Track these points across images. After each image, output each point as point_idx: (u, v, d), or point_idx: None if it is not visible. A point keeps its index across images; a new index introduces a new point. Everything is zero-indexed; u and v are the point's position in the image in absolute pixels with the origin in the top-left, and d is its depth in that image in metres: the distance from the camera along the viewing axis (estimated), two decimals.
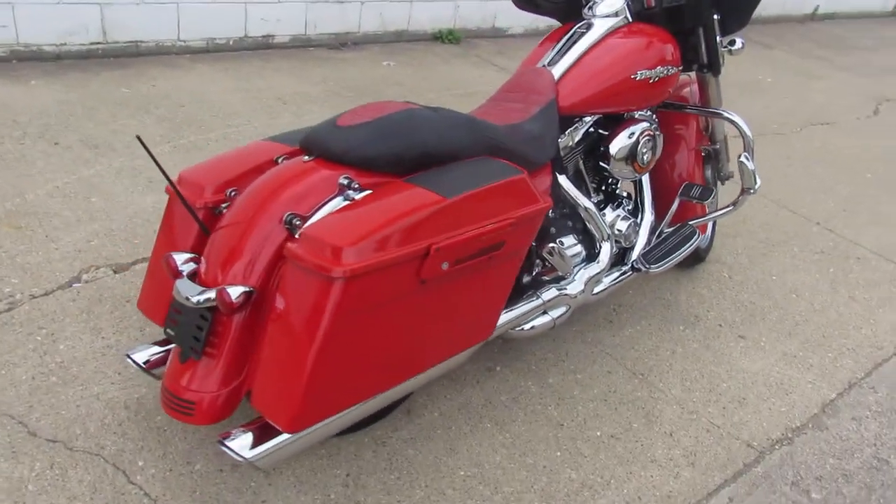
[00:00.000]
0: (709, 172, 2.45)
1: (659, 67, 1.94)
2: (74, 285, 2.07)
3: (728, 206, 2.30)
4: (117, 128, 3.02)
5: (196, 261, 1.42)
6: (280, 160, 1.58)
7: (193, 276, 1.38)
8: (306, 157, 1.50)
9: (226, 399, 1.37)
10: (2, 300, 1.96)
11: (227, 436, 1.34)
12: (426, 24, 4.88)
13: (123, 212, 2.45)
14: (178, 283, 1.36)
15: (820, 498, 1.77)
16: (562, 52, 1.94)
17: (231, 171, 1.57)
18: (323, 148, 1.48)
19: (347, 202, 1.39)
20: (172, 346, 1.58)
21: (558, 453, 1.78)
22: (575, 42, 1.95)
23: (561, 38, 2.01)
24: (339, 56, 4.34)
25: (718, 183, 2.48)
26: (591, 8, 2.02)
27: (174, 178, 1.48)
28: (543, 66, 1.94)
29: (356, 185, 1.41)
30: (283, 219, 1.37)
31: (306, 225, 1.33)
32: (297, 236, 1.32)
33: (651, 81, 1.94)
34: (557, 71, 1.89)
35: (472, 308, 1.52)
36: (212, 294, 1.32)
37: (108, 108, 3.19)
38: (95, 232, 2.32)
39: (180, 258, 1.42)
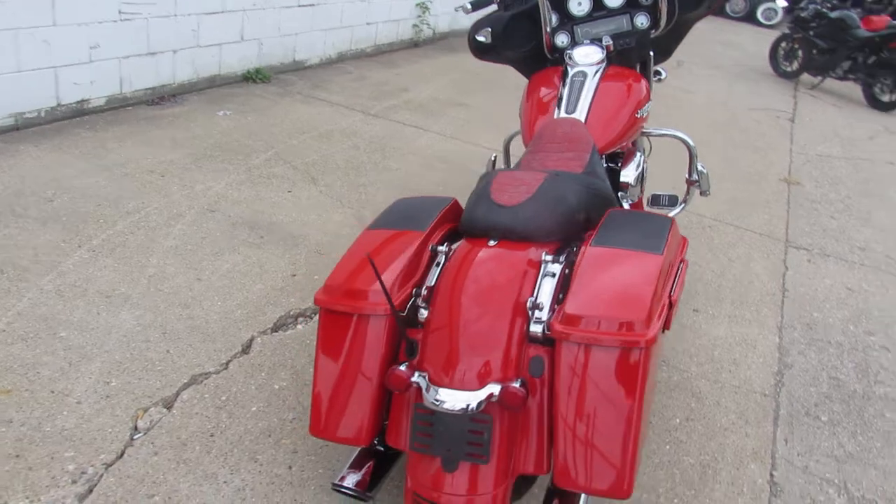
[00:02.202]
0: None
1: (647, 103, 2.31)
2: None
3: (680, 205, 2.76)
4: (21, 241, 2.54)
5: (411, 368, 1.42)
6: (438, 249, 1.61)
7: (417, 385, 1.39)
8: (492, 242, 1.56)
9: (504, 493, 1.42)
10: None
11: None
12: (236, 67, 4.70)
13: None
14: (439, 393, 1.35)
15: (828, 419, 2.33)
16: (572, 100, 2.19)
17: (397, 269, 1.56)
18: (504, 230, 1.55)
19: (557, 277, 1.50)
20: (368, 462, 1.57)
21: None
22: (580, 89, 2.21)
23: (558, 87, 2.24)
24: (165, 112, 4.01)
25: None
26: (571, 58, 2.29)
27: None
28: (566, 114, 2.16)
29: (561, 259, 1.53)
30: (526, 305, 1.44)
31: (567, 305, 1.40)
32: (557, 319, 1.39)
33: (643, 116, 2.30)
34: (581, 118, 2.14)
35: None
36: (482, 396, 1.34)
37: None
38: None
39: (407, 370, 1.41)
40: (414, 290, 1.56)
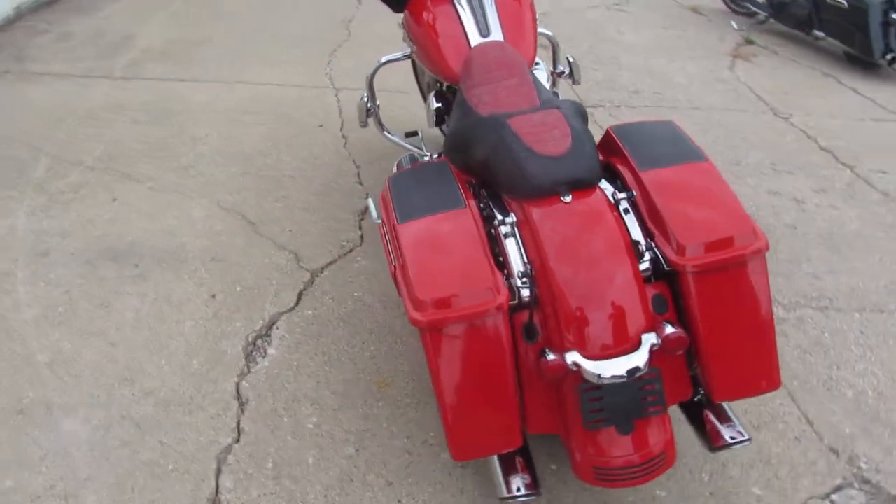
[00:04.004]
0: None
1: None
2: None
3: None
4: None
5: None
6: (504, 221, 1.54)
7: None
8: (567, 198, 1.52)
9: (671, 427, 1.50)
10: None
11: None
12: None
13: None
14: (604, 367, 1.36)
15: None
16: (481, 22, 2.12)
17: (481, 255, 1.46)
18: (572, 181, 1.52)
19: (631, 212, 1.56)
20: (517, 459, 1.53)
21: None
22: (482, 8, 2.14)
23: (453, 12, 2.14)
24: None
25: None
26: None
27: None
28: (482, 38, 2.09)
29: (633, 193, 1.57)
30: (640, 251, 1.48)
31: (678, 237, 1.45)
32: (675, 252, 1.44)
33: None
34: (500, 38, 2.10)
35: None
36: (646, 354, 1.39)
37: None
38: None
39: (558, 356, 1.39)
40: (504, 271, 1.49)
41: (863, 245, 2.76)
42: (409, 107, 3.40)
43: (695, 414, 1.61)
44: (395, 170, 2.60)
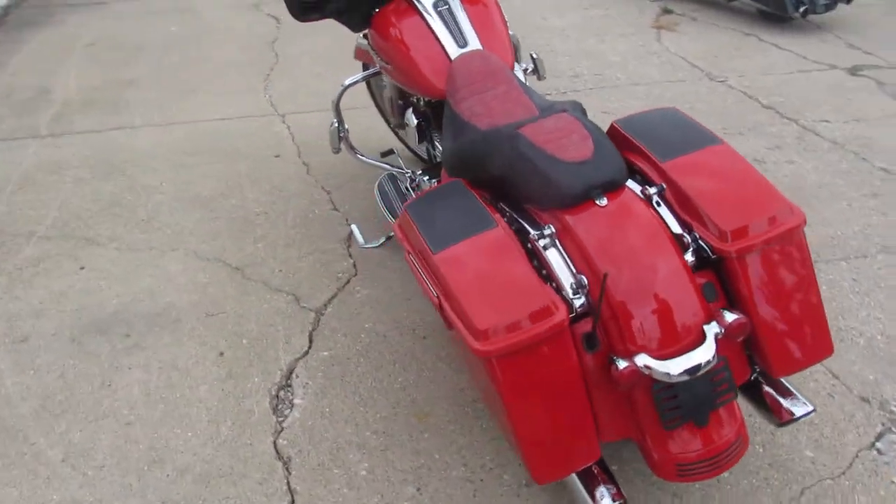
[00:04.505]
0: None
1: None
2: None
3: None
4: None
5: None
6: (543, 233, 1.51)
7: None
8: (603, 201, 1.50)
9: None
10: None
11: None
12: None
13: None
14: (674, 365, 1.36)
15: None
16: (456, 33, 2.09)
17: (530, 275, 1.44)
18: (604, 184, 1.50)
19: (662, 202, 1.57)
20: (595, 472, 1.51)
21: None
22: (454, 18, 2.11)
23: (423, 25, 2.10)
24: None
25: None
26: None
27: None
28: (461, 49, 2.06)
29: (662, 186, 1.58)
30: (686, 243, 1.49)
31: (718, 223, 1.46)
32: (719, 239, 1.46)
33: None
34: (478, 46, 2.07)
35: None
36: (713, 345, 1.39)
37: None
38: None
39: (629, 363, 1.38)
40: (552, 284, 1.47)
41: (827, 194, 2.89)
42: (363, 122, 3.33)
43: (754, 393, 1.63)
44: (376, 192, 2.54)
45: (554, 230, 1.52)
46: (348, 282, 2.42)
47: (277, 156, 3.24)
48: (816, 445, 1.81)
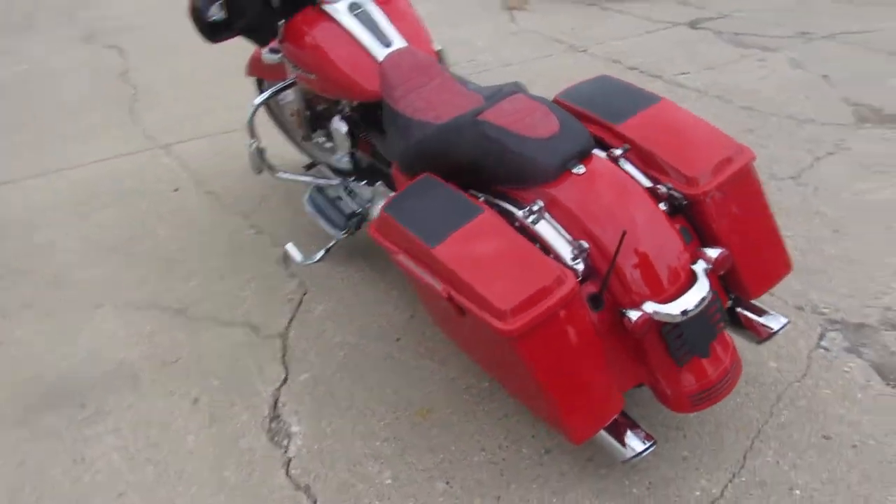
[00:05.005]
0: None
1: None
2: None
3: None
4: None
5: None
6: (532, 209, 1.58)
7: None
8: (580, 169, 1.59)
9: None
10: None
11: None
12: None
13: None
14: (678, 305, 1.48)
15: None
16: (379, 34, 2.10)
17: (530, 251, 1.50)
18: (579, 153, 1.61)
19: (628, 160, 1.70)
20: (619, 419, 1.62)
21: None
22: (372, 20, 2.12)
23: (340, 30, 2.10)
24: None
25: None
26: None
27: None
28: (387, 49, 2.08)
29: (626, 147, 1.69)
30: (662, 194, 1.61)
31: (684, 170, 1.60)
32: (686, 185, 1.60)
33: None
34: (403, 44, 2.10)
35: None
36: (705, 280, 1.53)
37: None
38: None
39: (640, 311, 1.49)
40: (552, 256, 1.54)
41: None
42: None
43: (732, 318, 1.80)
44: (308, 208, 2.49)
45: (543, 204, 1.59)
46: (301, 301, 2.37)
47: (176, 189, 3.08)
48: (777, 356, 2.02)
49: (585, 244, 1.54)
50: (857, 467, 1.67)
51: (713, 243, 1.64)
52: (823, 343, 2.06)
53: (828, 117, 3.21)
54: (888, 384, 1.89)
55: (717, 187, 1.61)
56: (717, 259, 1.56)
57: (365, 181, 2.35)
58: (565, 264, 1.53)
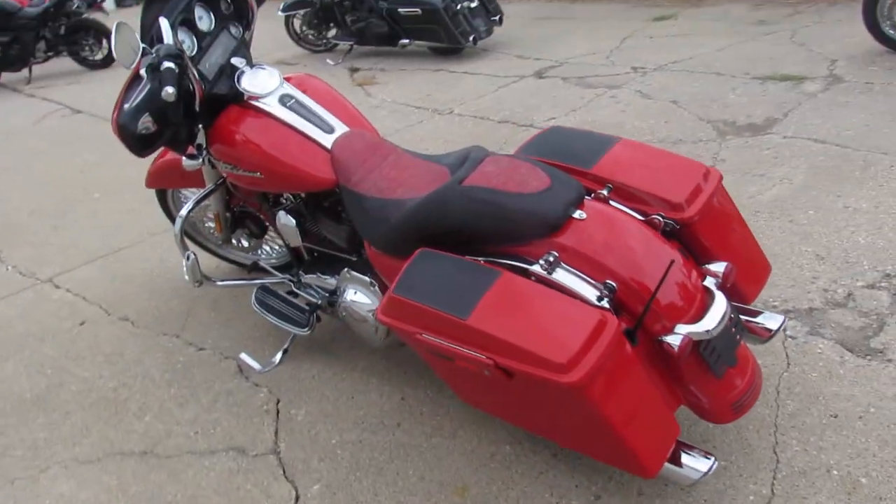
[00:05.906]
0: None
1: None
2: None
3: None
4: None
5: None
6: (540, 264, 1.61)
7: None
8: (581, 214, 1.66)
9: None
10: None
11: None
12: None
13: None
14: (708, 321, 1.57)
15: None
16: (317, 121, 2.07)
17: (565, 306, 1.56)
18: (576, 199, 1.68)
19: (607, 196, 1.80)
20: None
21: None
22: (306, 109, 2.08)
23: (274, 124, 2.04)
24: None
25: None
26: (253, 93, 2.07)
27: None
28: (327, 135, 2.06)
29: (610, 186, 1.80)
30: (658, 223, 1.72)
31: (671, 198, 1.73)
32: (677, 213, 1.72)
33: None
34: (344, 128, 2.09)
35: None
36: (723, 295, 1.64)
37: None
38: None
39: (682, 336, 1.56)
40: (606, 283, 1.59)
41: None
42: (154, 254, 3.01)
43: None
44: (258, 309, 2.35)
45: (557, 254, 1.63)
46: (278, 410, 2.21)
47: (82, 323, 2.77)
48: (758, 352, 2.17)
49: (613, 283, 1.60)
50: (871, 435, 1.84)
51: (708, 260, 1.77)
52: (789, 333, 2.25)
53: (694, 136, 3.59)
54: (858, 356, 2.11)
55: (702, 208, 1.75)
56: (724, 273, 1.68)
57: (318, 272, 2.27)
58: (595, 306, 1.58)
